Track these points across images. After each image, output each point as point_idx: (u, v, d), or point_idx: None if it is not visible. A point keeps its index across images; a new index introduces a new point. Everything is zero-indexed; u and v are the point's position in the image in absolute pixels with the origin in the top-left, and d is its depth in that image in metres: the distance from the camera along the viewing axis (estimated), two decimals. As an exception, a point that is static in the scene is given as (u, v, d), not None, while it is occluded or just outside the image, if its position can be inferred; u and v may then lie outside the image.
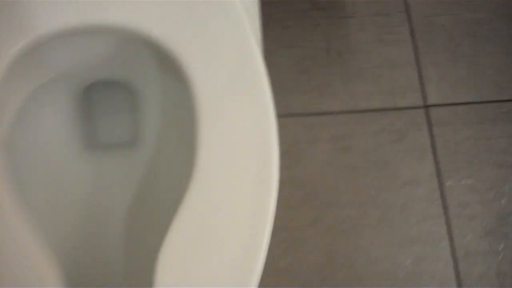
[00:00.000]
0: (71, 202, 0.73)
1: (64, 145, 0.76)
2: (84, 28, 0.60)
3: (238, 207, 0.53)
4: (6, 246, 0.51)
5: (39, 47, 0.62)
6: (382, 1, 1.12)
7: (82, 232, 0.72)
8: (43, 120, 0.75)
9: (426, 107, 1.08)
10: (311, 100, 1.05)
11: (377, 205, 1.01)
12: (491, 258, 1.00)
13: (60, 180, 0.74)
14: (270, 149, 0.53)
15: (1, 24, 0.61)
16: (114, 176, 0.77)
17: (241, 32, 0.57)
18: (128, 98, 0.80)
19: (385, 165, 1.03)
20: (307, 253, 0.98)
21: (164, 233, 0.53)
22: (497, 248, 1.00)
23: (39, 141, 0.74)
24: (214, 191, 0.53)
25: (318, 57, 1.08)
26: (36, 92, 0.72)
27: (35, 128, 0.73)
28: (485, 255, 1.00)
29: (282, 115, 1.01)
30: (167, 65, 0.62)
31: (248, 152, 0.54)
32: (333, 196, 1.01)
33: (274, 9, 1.10)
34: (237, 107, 0.54)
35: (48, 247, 0.52)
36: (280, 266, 0.97)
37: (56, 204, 0.70)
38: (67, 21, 0.61)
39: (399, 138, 1.04)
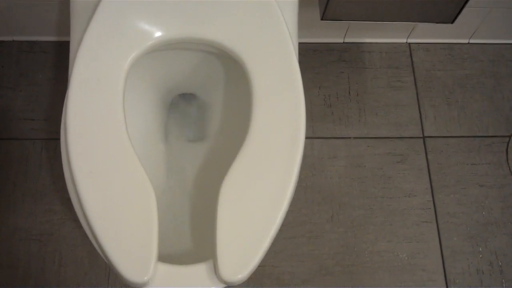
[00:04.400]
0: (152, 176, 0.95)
1: (153, 137, 1.03)
2: (182, 39, 0.83)
3: (276, 157, 0.76)
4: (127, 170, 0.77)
5: (145, 56, 0.83)
6: (393, 58, 1.33)
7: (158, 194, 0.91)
8: (139, 117, 1.00)
9: (424, 137, 1.26)
10: (334, 127, 1.26)
11: (382, 209, 1.19)
12: (472, 257, 1.16)
13: (146, 159, 0.95)
14: (299, 124, 0.77)
15: (115, 37, 0.80)
16: (183, 158, 1.02)
17: (285, 43, 0.82)
18: (199, 106, 1.06)
19: (389, 180, 1.22)
20: (325, 242, 1.16)
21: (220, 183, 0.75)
22: (477, 249, 1.17)
23: (134, 131, 0.95)
24: (262, 147, 0.76)
25: (341, 96, 1.29)
26: (135, 95, 0.98)
27: (131, 123, 0.97)
28: (468, 254, 1.17)
29: (312, 137, 1.25)
30: (232, 72, 0.86)
31: (285, 124, 0.77)
32: (347, 200, 1.20)
33: (310, 59, 1.32)
34: (280, 95, 0.79)
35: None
36: (304, 251, 1.15)
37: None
38: (168, 34, 0.81)
39: (402, 160, 1.24)
